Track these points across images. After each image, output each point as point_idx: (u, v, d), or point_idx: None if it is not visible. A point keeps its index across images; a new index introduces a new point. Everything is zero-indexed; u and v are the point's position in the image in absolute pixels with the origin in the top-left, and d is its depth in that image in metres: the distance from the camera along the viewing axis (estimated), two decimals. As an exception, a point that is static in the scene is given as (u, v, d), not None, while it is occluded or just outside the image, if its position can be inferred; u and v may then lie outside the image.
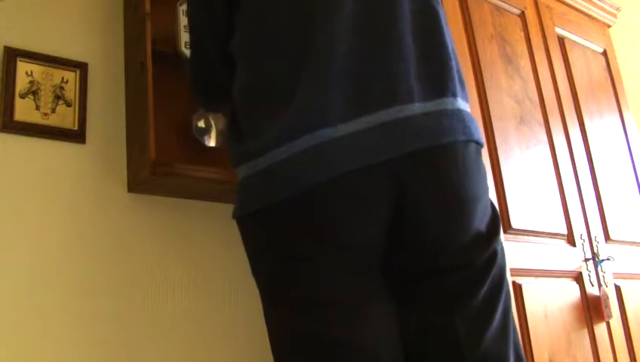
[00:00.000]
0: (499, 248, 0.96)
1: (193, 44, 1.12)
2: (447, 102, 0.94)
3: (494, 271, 0.94)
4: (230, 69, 1.02)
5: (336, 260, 0.88)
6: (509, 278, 1.64)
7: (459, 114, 0.95)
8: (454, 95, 0.95)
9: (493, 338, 0.92)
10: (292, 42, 0.92)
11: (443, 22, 1.01)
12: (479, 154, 0.97)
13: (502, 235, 0.97)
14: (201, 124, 1.46)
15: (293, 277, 0.89)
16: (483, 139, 1.00)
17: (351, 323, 0.87)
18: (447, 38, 1.00)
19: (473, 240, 0.92)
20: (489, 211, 0.98)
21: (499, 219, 0.99)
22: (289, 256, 0.89)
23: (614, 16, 2.61)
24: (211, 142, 1.47)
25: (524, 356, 0.98)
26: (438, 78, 0.95)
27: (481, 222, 0.94)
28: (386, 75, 0.91)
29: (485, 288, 0.92)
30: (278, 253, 0.90)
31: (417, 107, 0.90)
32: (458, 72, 0.99)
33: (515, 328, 0.98)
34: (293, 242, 0.89)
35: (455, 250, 0.91)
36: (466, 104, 0.99)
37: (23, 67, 1.32)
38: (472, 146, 0.95)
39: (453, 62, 0.98)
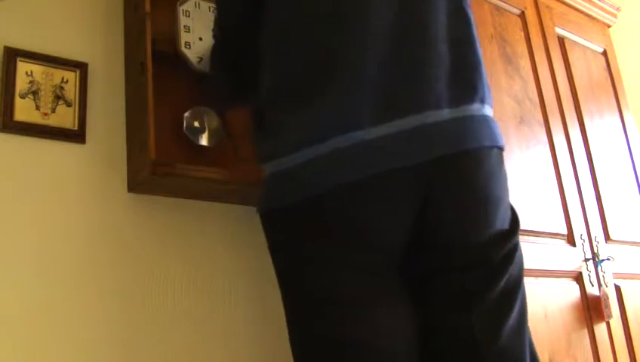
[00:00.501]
0: (517, 247, 0.98)
1: (223, 34, 1.10)
2: (474, 109, 0.96)
3: (512, 268, 0.95)
4: (256, 65, 1.01)
5: (358, 261, 0.89)
6: (509, 278, 1.64)
7: (485, 120, 0.97)
8: (482, 101, 0.98)
9: (509, 335, 0.93)
10: (325, 43, 0.92)
11: (474, 26, 1.02)
12: (502, 158, 1.00)
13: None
14: (194, 123, 1.46)
15: (315, 276, 0.89)
16: (504, 143, 1.02)
17: (368, 324, 0.88)
18: (477, 44, 1.01)
19: (492, 239, 0.94)
20: (509, 212, 1.00)
21: (518, 220, 1.01)
22: (312, 254, 0.89)
23: (614, 16, 2.61)
24: (204, 141, 1.47)
25: (538, 357, 0.98)
26: (469, 83, 0.97)
27: (502, 223, 0.96)
28: (416, 80, 0.92)
29: (502, 284, 0.93)
30: (301, 251, 0.91)
31: (446, 113, 0.92)
32: (485, 76, 1.01)
33: (529, 328, 0.99)
34: (318, 241, 0.89)
35: (475, 249, 0.93)
36: (490, 109, 1.01)
37: (23, 67, 1.32)
38: (495, 151, 0.97)
39: (482, 67, 1.00)
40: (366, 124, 0.88)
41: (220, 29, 1.11)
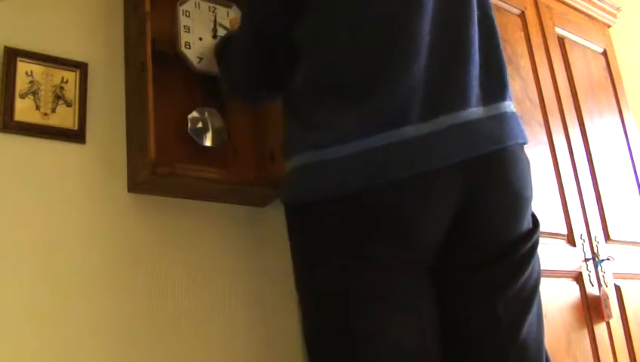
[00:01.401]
0: (538, 243, 1.00)
1: (255, 27, 1.09)
2: (506, 106, 0.99)
3: (534, 261, 0.98)
4: (288, 56, 1.01)
5: (395, 258, 0.89)
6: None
7: (515, 117, 1.00)
8: (510, 98, 1.01)
9: (531, 328, 0.96)
10: (376, 38, 0.93)
11: (497, 29, 1.06)
12: (528, 156, 1.03)
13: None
14: (198, 123, 1.46)
15: (353, 273, 0.89)
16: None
17: (398, 322, 0.88)
18: (501, 44, 1.05)
19: (521, 234, 0.96)
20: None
21: (537, 217, 1.03)
22: (354, 251, 0.89)
23: (614, 16, 2.61)
24: (207, 141, 1.47)
25: (550, 358, 1.01)
26: (499, 81, 1.00)
27: (528, 221, 0.99)
28: (460, 78, 0.94)
29: (524, 278, 0.95)
30: (343, 247, 0.90)
31: (482, 110, 0.95)
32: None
33: None
34: (360, 237, 0.89)
35: (506, 244, 0.95)
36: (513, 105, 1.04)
37: (23, 67, 1.32)
38: (523, 148, 1.01)
39: (506, 67, 1.03)
40: (416, 120, 0.89)
41: (252, 29, 1.09)
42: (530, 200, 0.99)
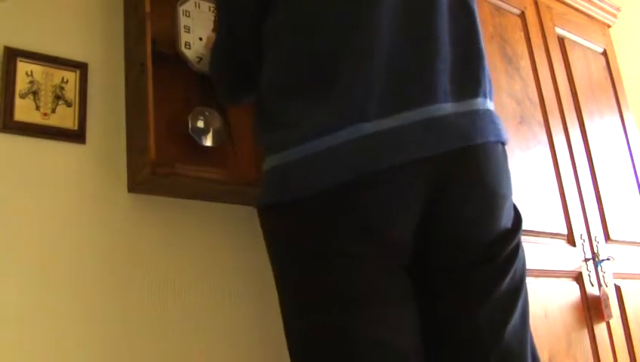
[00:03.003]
0: (520, 244, 0.98)
1: (228, 29, 1.09)
2: (479, 103, 0.96)
3: (516, 265, 0.96)
4: (260, 55, 1.01)
5: (372, 256, 0.88)
6: (509, 278, 1.64)
7: (489, 115, 0.97)
8: (485, 95, 0.98)
9: (513, 333, 0.94)
10: (333, 34, 0.92)
11: (478, 20, 1.02)
12: (505, 154, 1.00)
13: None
14: (198, 123, 1.46)
15: (327, 272, 0.87)
16: (508, 138, 1.02)
17: (381, 321, 0.87)
18: (481, 38, 1.01)
19: (499, 236, 0.94)
20: (512, 210, 1.00)
21: (521, 217, 1.01)
22: (326, 249, 0.88)
23: (614, 16, 2.61)
24: (208, 141, 1.47)
25: (539, 355, 0.99)
26: (474, 77, 0.97)
27: (507, 219, 0.97)
28: (426, 73, 0.92)
29: (507, 281, 0.94)
30: (314, 246, 0.89)
31: (453, 106, 0.92)
32: (488, 71, 1.01)
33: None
34: (331, 235, 0.87)
35: (484, 245, 0.93)
36: (492, 103, 1.01)
37: (23, 67, 1.32)
38: (500, 147, 0.98)
39: (485, 62, 1.00)
40: (374, 116, 0.87)
41: (230, 29, 1.09)
42: (507, 198, 0.96)
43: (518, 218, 1.00)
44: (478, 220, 0.93)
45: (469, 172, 0.91)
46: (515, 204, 1.02)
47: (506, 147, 1.02)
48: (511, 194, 0.98)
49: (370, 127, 0.87)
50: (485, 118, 0.95)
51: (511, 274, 0.94)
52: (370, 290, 0.87)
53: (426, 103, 0.90)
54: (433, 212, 0.90)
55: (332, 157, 0.87)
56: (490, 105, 0.99)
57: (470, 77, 0.96)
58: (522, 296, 0.97)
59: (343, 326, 0.86)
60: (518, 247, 0.97)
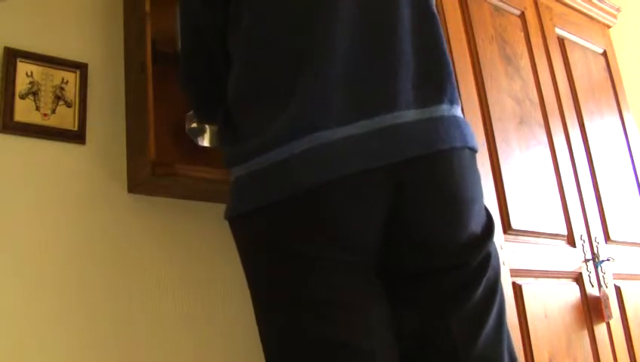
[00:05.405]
0: (493, 251, 0.97)
1: (194, 44, 1.09)
2: (444, 109, 0.95)
3: (489, 273, 0.95)
4: (228, 69, 1.01)
5: (337, 261, 0.88)
6: (510, 279, 1.64)
7: (455, 120, 0.96)
8: (451, 101, 0.97)
9: (487, 340, 0.93)
10: (291, 43, 0.92)
11: (441, 29, 1.02)
12: (474, 159, 0.99)
13: (497, 239, 0.98)
14: (195, 124, 1.46)
15: (293, 278, 0.88)
16: (477, 144, 1.01)
17: (351, 326, 0.87)
18: (444, 44, 1.01)
19: (468, 242, 0.93)
20: (483, 214, 0.99)
21: (493, 223, 1.00)
22: (290, 255, 0.89)
23: (614, 16, 2.62)
24: (205, 142, 1.46)
25: (517, 357, 0.98)
26: (437, 84, 0.97)
27: (476, 224, 0.96)
28: (384, 81, 0.92)
29: (480, 289, 0.93)
30: (278, 253, 0.90)
31: (415, 113, 0.92)
32: (453, 77, 1.00)
33: (508, 331, 0.98)
34: (294, 242, 0.88)
35: (451, 251, 0.92)
36: (459, 108, 1.00)
37: (23, 68, 1.32)
38: (467, 152, 0.97)
39: (450, 68, 1.00)
40: (333, 124, 0.88)
41: (189, 23, 1.09)
42: (474, 202, 0.95)
43: (489, 224, 0.99)
44: (442, 225, 0.92)
45: (432, 178, 0.91)
46: (488, 209, 1.02)
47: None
48: (480, 197, 0.98)
49: (329, 135, 0.87)
50: (450, 124, 0.95)
51: (484, 282, 0.94)
52: (336, 295, 0.87)
53: (385, 111, 0.90)
54: (396, 217, 0.90)
55: (290, 167, 0.87)
56: (456, 111, 0.98)
57: (434, 84, 0.96)
58: (496, 302, 0.96)
59: (309, 330, 0.86)
60: (489, 255, 0.96)
